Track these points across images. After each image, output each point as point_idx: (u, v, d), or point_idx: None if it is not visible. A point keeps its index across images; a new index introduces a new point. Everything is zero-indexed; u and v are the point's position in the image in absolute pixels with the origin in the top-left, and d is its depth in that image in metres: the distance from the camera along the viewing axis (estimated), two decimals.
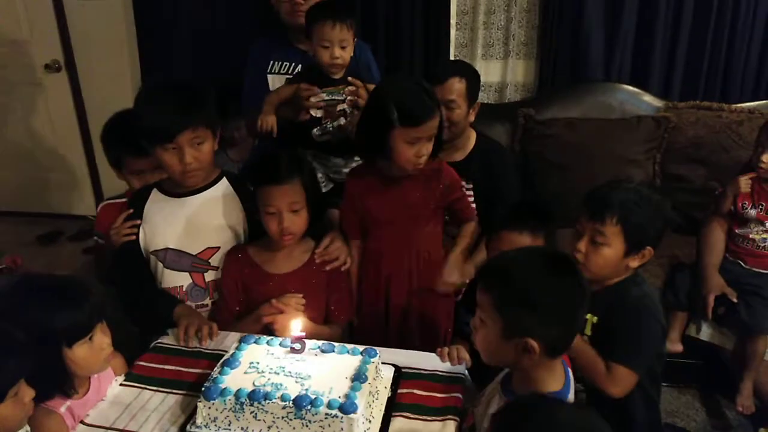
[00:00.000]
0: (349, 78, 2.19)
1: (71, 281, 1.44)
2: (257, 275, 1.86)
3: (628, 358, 1.53)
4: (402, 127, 1.73)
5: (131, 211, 1.91)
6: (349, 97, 2.17)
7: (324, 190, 2.24)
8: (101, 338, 1.39)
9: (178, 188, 1.90)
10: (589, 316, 1.57)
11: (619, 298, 1.58)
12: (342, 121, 2.20)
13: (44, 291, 1.36)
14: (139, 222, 1.89)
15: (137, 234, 1.89)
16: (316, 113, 2.18)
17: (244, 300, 1.89)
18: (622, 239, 1.53)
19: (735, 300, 2.21)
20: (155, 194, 1.92)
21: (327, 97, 2.17)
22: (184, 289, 1.91)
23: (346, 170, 2.25)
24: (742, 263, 2.32)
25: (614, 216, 1.53)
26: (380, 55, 2.70)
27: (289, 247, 1.87)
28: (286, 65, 2.48)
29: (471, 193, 2.36)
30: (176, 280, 1.90)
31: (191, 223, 1.89)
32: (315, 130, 2.21)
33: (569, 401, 1.27)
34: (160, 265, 1.90)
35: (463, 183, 2.39)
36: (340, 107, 2.18)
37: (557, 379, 1.28)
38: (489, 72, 3.31)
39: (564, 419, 1.04)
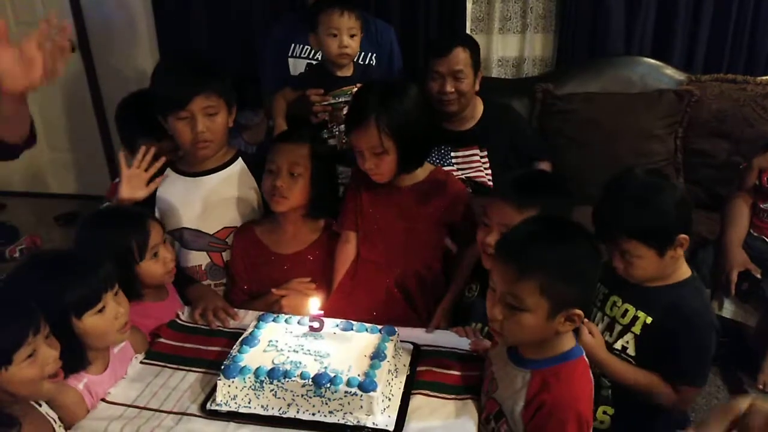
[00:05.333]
0: (358, 85, 2.11)
1: (75, 254, 1.44)
2: (263, 255, 1.85)
3: (697, 378, 1.51)
4: None
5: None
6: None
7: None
8: (114, 308, 1.38)
9: (193, 167, 1.89)
10: (641, 314, 1.51)
11: (677, 307, 1.48)
12: None
13: (49, 266, 1.37)
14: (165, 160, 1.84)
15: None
16: (323, 117, 2.14)
17: (253, 279, 1.88)
18: (646, 247, 1.45)
19: (759, 276, 2.17)
20: (169, 173, 1.91)
21: (333, 101, 2.12)
22: (203, 269, 1.91)
23: None
24: (766, 239, 2.28)
25: (623, 234, 1.44)
26: (395, 29, 2.65)
27: (295, 225, 1.85)
28: (307, 49, 2.44)
29: (486, 159, 2.37)
30: (195, 259, 1.91)
31: (207, 203, 1.88)
32: (323, 132, 2.17)
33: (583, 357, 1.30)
34: (177, 244, 1.90)
35: (477, 150, 2.37)
36: (345, 110, 2.10)
37: (570, 338, 1.29)
38: (506, 46, 3.24)
39: None
